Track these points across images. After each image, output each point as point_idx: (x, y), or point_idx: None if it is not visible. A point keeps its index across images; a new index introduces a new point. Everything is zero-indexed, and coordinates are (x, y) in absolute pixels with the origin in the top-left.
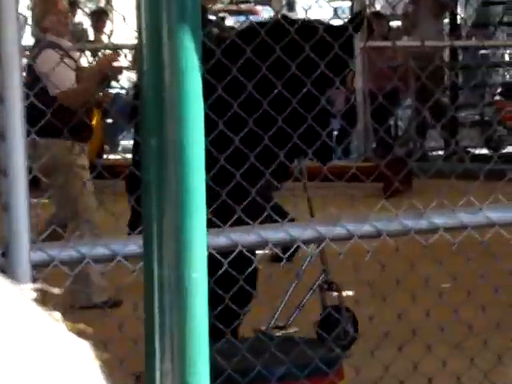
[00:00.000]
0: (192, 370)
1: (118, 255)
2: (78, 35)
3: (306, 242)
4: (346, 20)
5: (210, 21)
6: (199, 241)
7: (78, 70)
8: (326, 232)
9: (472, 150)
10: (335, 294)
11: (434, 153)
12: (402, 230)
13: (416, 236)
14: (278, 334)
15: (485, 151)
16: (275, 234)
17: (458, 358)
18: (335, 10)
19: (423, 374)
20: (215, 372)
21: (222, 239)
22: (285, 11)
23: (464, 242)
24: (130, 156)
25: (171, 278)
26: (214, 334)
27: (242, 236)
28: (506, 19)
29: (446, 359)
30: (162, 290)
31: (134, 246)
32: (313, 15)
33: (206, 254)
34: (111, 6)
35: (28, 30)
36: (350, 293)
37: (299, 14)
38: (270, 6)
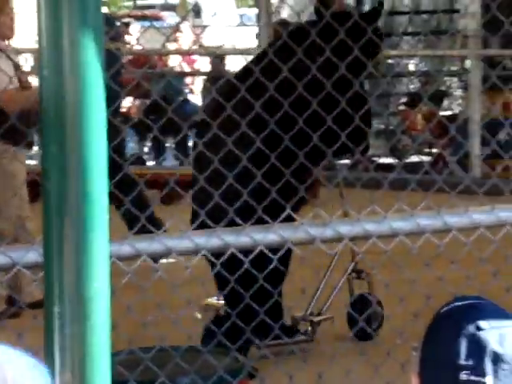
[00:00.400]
0: (93, 382)
1: (17, 264)
2: None
3: (211, 251)
4: (367, 9)
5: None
6: (101, 250)
7: (21, 73)
8: (231, 241)
9: (377, 159)
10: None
11: (340, 161)
12: (307, 238)
13: (321, 245)
14: (316, 319)
15: (390, 160)
16: (180, 242)
17: (362, 366)
18: (241, 16)
19: (327, 383)
20: (117, 383)
21: (126, 248)
22: (190, 17)
23: (368, 250)
24: (32, 162)
25: (72, 288)
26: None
27: (146, 244)
28: (410, 29)
29: (350, 368)
30: (63, 300)
31: (35, 254)
32: (219, 21)
33: (108, 263)
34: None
35: None
36: None
37: (205, 20)
38: (175, 12)
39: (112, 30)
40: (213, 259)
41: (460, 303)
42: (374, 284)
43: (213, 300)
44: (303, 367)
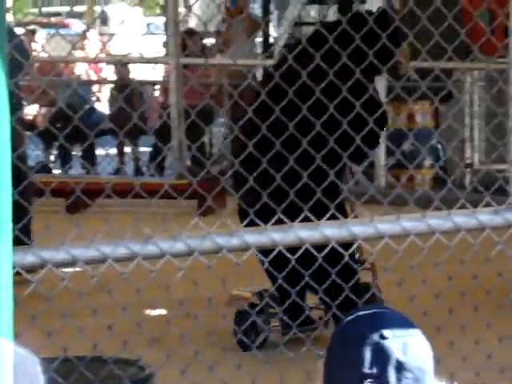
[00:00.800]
0: None
1: None
2: None
3: (119, 260)
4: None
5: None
6: (4, 258)
7: None
8: (139, 250)
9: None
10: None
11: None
12: (214, 248)
13: (228, 254)
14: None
15: None
16: (86, 251)
17: (268, 374)
18: (148, 25)
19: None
20: None
21: (30, 257)
22: (97, 25)
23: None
24: None
25: None
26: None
27: (51, 253)
28: None
29: (256, 377)
30: None
31: None
32: (126, 30)
33: (11, 271)
34: None
35: None
36: (155, 313)
37: (112, 28)
38: (82, 19)
39: (15, 38)
40: (289, 255)
41: (364, 312)
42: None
43: (239, 291)
44: (209, 376)
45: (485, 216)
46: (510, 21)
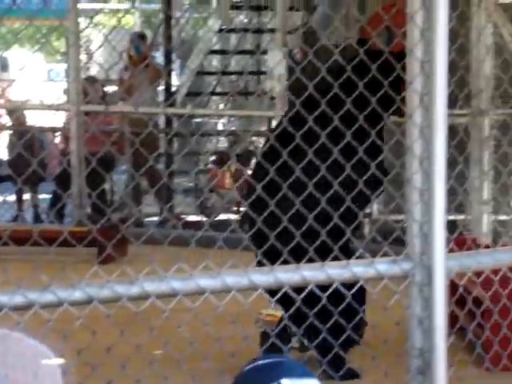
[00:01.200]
0: None
1: None
2: None
3: (16, 309)
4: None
5: None
6: None
7: None
8: (36, 298)
9: (186, 217)
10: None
11: (150, 219)
12: (113, 296)
13: (127, 303)
14: None
15: (198, 218)
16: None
17: None
18: (49, 72)
19: None
20: None
21: None
22: None
23: (175, 308)
24: None
25: None
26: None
27: None
28: (218, 89)
29: None
30: None
31: None
32: (26, 76)
33: None
34: None
35: None
36: (62, 360)
37: (12, 74)
38: None
39: None
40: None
41: (264, 361)
42: None
43: (268, 311)
44: None
45: (383, 266)
46: (406, 74)
